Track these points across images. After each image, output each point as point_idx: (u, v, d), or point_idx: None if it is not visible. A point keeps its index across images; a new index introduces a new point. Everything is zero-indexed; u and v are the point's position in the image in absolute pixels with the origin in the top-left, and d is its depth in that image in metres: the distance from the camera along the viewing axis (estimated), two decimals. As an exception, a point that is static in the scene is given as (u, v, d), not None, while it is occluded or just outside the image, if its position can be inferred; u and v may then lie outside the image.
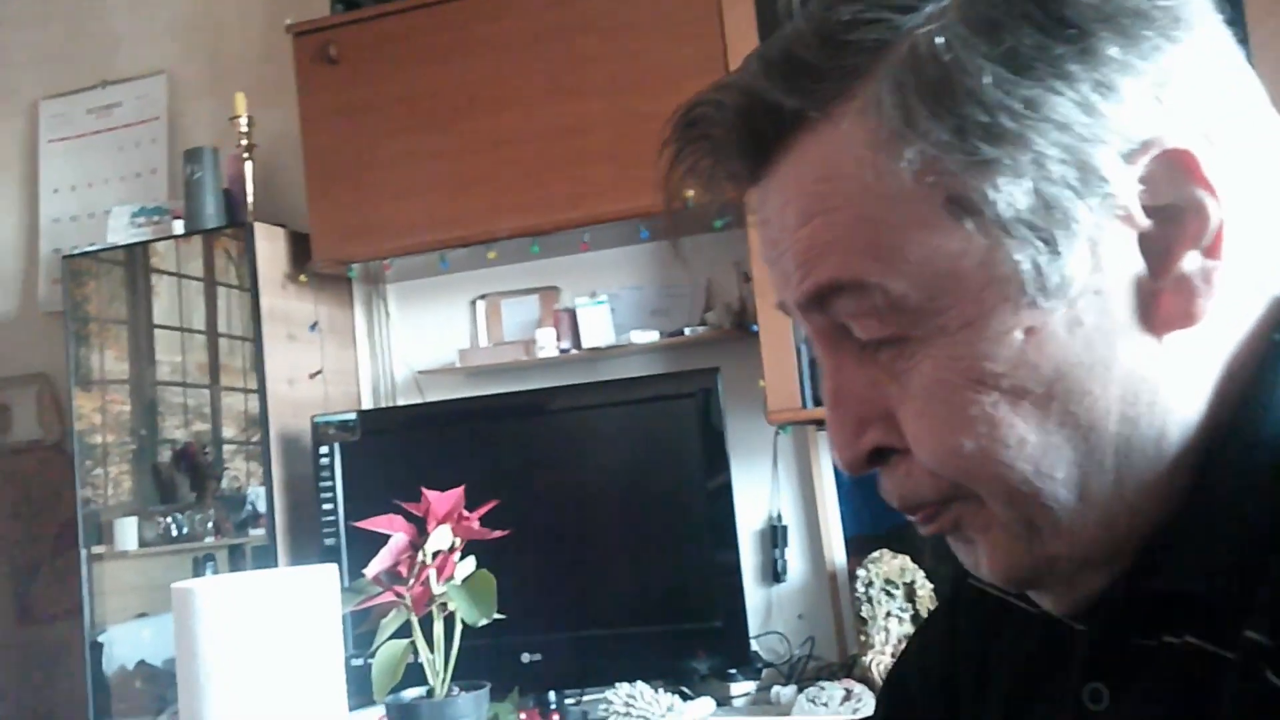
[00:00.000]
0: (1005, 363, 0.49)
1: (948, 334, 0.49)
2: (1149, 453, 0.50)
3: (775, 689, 2.29)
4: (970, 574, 0.68)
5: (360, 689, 1.78)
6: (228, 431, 2.82)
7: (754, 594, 2.58)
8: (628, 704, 2.17)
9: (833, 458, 0.56)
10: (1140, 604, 0.52)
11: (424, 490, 1.69)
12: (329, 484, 2.58)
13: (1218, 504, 0.49)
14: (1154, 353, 0.49)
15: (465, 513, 1.70)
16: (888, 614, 2.28)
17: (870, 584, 2.29)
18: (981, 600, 0.67)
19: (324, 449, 2.60)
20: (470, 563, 1.70)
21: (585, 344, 2.73)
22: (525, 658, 2.35)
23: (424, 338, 2.98)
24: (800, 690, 2.23)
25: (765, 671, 2.45)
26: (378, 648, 1.62)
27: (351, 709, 1.72)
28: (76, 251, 2.95)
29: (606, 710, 2.18)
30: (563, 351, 2.73)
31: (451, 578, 1.66)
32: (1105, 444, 0.49)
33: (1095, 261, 0.48)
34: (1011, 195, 0.47)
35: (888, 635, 2.25)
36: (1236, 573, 0.47)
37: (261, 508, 2.72)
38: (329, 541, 2.56)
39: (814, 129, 0.50)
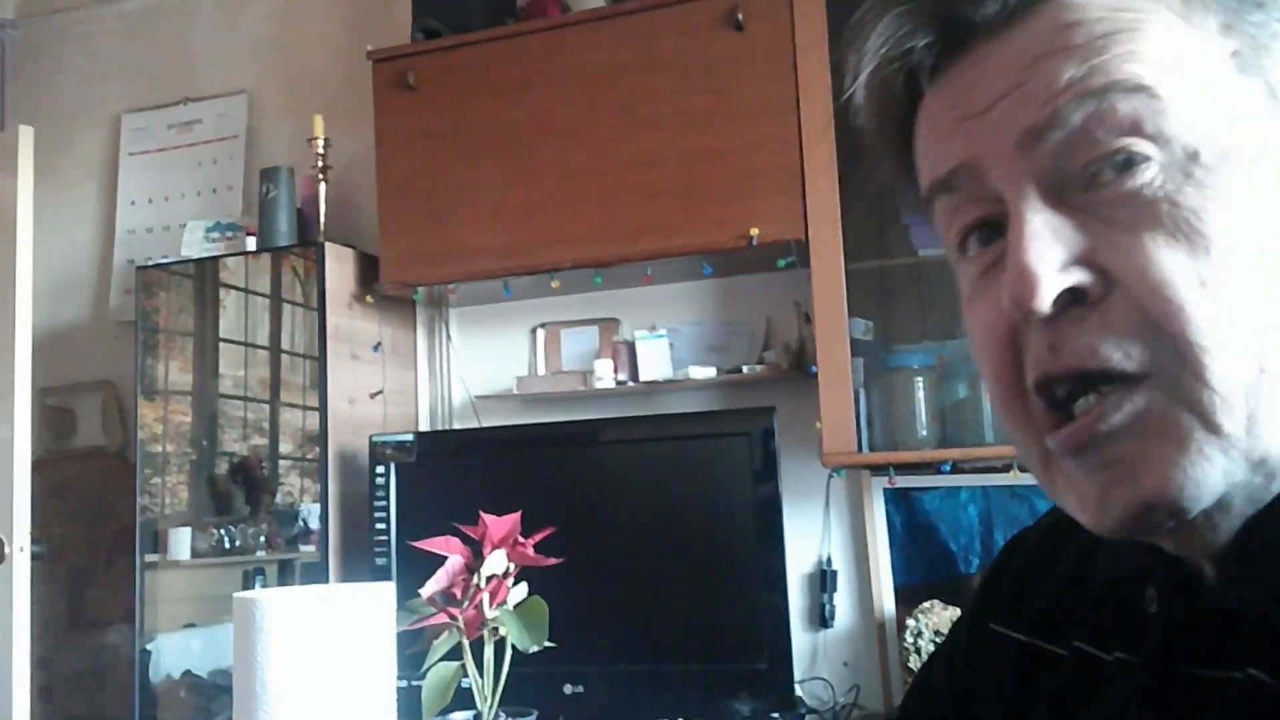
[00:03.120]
0: (1251, 211, 0.48)
1: (1203, 166, 0.48)
2: None
3: (818, 735, 2.26)
4: (994, 619, 0.67)
5: (408, 709, 1.78)
6: (285, 447, 2.86)
7: (800, 638, 2.56)
8: (669, 741, 2.16)
9: (1012, 298, 0.49)
10: (1199, 628, 0.50)
11: (481, 513, 1.70)
12: (383, 503, 2.60)
13: None
14: None
15: (521, 539, 1.71)
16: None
17: (920, 634, 2.27)
18: (1003, 644, 0.65)
19: (380, 468, 2.62)
20: (523, 589, 1.71)
21: (643, 377, 2.74)
22: (567, 689, 2.35)
23: (483, 363, 3.00)
24: (844, 737, 2.21)
25: (808, 717, 2.43)
26: (429, 668, 1.63)
27: (397, 729, 1.72)
28: (150, 263, 3.02)
29: (648, 746, 2.17)
30: (619, 383, 2.75)
31: (504, 603, 1.67)
32: None
33: None
34: None
35: (936, 687, 2.22)
36: None
37: (313, 524, 2.75)
38: (380, 561, 2.58)
39: None
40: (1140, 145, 0.48)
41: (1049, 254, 0.48)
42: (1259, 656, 0.47)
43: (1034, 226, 0.49)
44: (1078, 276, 0.48)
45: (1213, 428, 0.46)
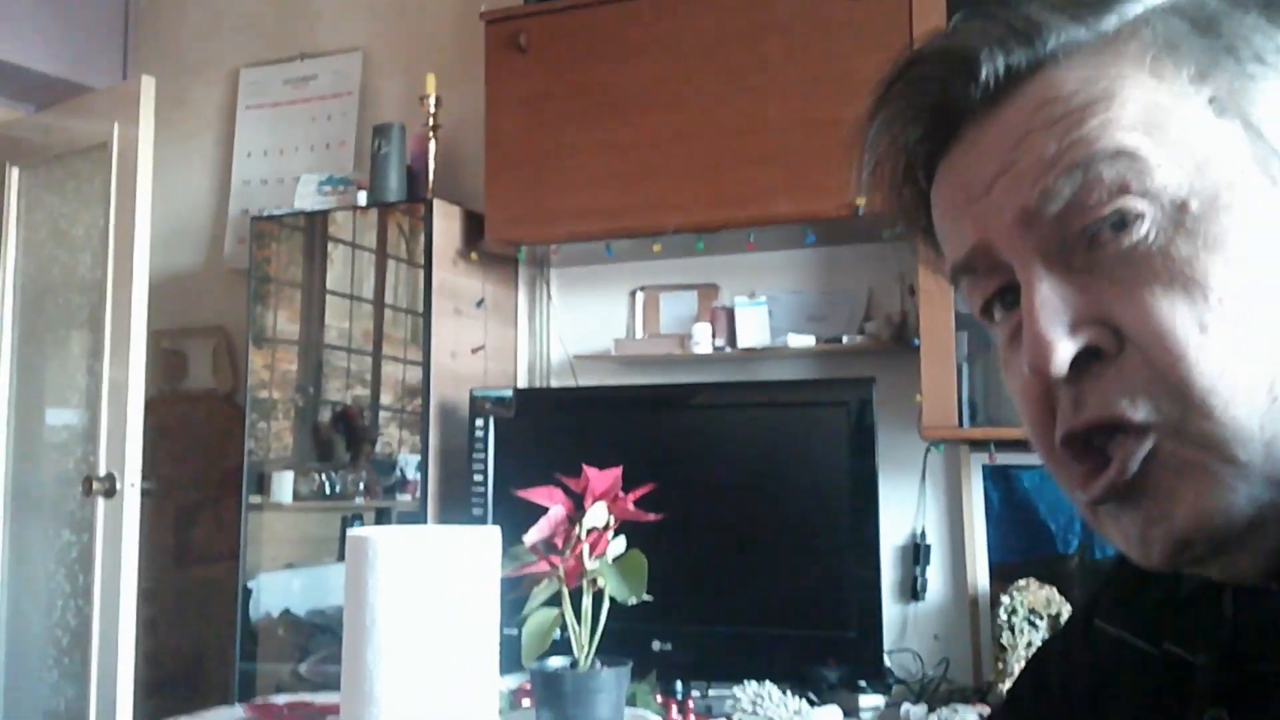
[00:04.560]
0: (1245, 250, 0.49)
1: (1192, 215, 0.50)
2: None
3: (905, 706, 2.26)
4: (1099, 615, 0.68)
5: (505, 656, 1.82)
6: (385, 398, 2.93)
7: (891, 609, 2.56)
8: (754, 702, 2.17)
9: (1030, 365, 0.52)
10: (1263, 627, 0.51)
11: (584, 466, 1.73)
12: (481, 456, 2.65)
13: None
14: None
15: (621, 493, 1.73)
16: (1029, 644, 2.23)
17: (1014, 611, 2.25)
18: (1100, 639, 0.66)
19: (479, 421, 2.67)
20: (621, 542, 1.73)
21: (740, 343, 2.74)
22: (656, 645, 2.37)
23: (582, 323, 3.04)
24: (931, 710, 2.20)
25: (896, 688, 2.43)
26: (528, 615, 1.67)
27: (496, 673, 1.76)
28: (263, 214, 3.10)
29: (734, 707, 2.19)
30: (717, 349, 2.75)
31: (604, 555, 1.69)
32: None
33: None
34: (1274, 105, 0.51)
35: (1026, 666, 2.21)
36: None
37: (410, 474, 2.81)
38: (477, 511, 2.63)
39: (1070, 57, 0.54)
40: (1131, 203, 0.50)
41: (1058, 319, 0.51)
42: None
43: (1042, 295, 0.52)
44: (1090, 335, 0.51)
45: (1229, 459, 0.49)
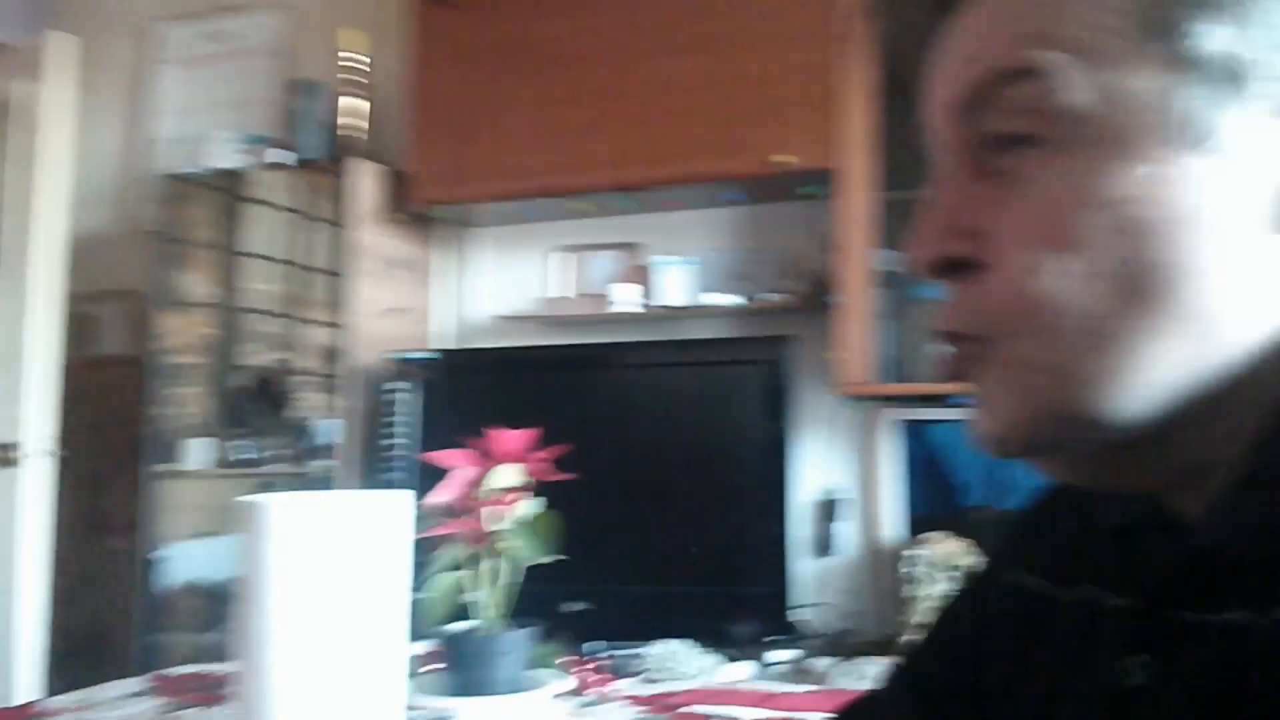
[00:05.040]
0: (1128, 190, 0.48)
1: (1086, 146, 0.49)
2: (1234, 366, 0.48)
3: (813, 660, 2.28)
4: (1007, 565, 0.68)
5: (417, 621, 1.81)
6: (305, 363, 2.88)
7: (804, 564, 2.58)
8: (664, 660, 2.18)
9: (907, 258, 0.54)
10: (1191, 569, 0.50)
11: (487, 430, 1.71)
12: (399, 420, 2.62)
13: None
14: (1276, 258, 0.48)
15: (537, 453, 1.72)
16: (933, 595, 2.26)
17: (917, 564, 2.27)
18: (1007, 589, 0.66)
19: (390, 385, 2.63)
20: (534, 503, 1.72)
21: (663, 302, 2.73)
22: (566, 606, 2.37)
23: (505, 284, 3.01)
24: (841, 663, 2.23)
25: (806, 642, 2.45)
26: (431, 577, 1.65)
27: (403, 639, 1.75)
28: (177, 174, 3.02)
29: (645, 665, 2.19)
30: (643, 308, 2.74)
31: (509, 516, 1.68)
32: (1189, 325, 0.48)
33: (1260, 137, 0.48)
34: (1210, 35, 0.48)
35: (932, 617, 2.24)
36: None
37: (330, 440, 2.78)
38: (391, 476, 2.60)
39: None
40: (1032, 124, 0.50)
41: (940, 222, 0.52)
42: (1239, 597, 0.47)
43: (938, 193, 0.53)
44: (959, 246, 0.51)
45: (1038, 385, 0.50)
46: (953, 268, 0.52)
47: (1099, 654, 0.55)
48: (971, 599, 0.71)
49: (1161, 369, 0.49)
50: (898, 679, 0.74)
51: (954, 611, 0.73)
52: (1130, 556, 0.56)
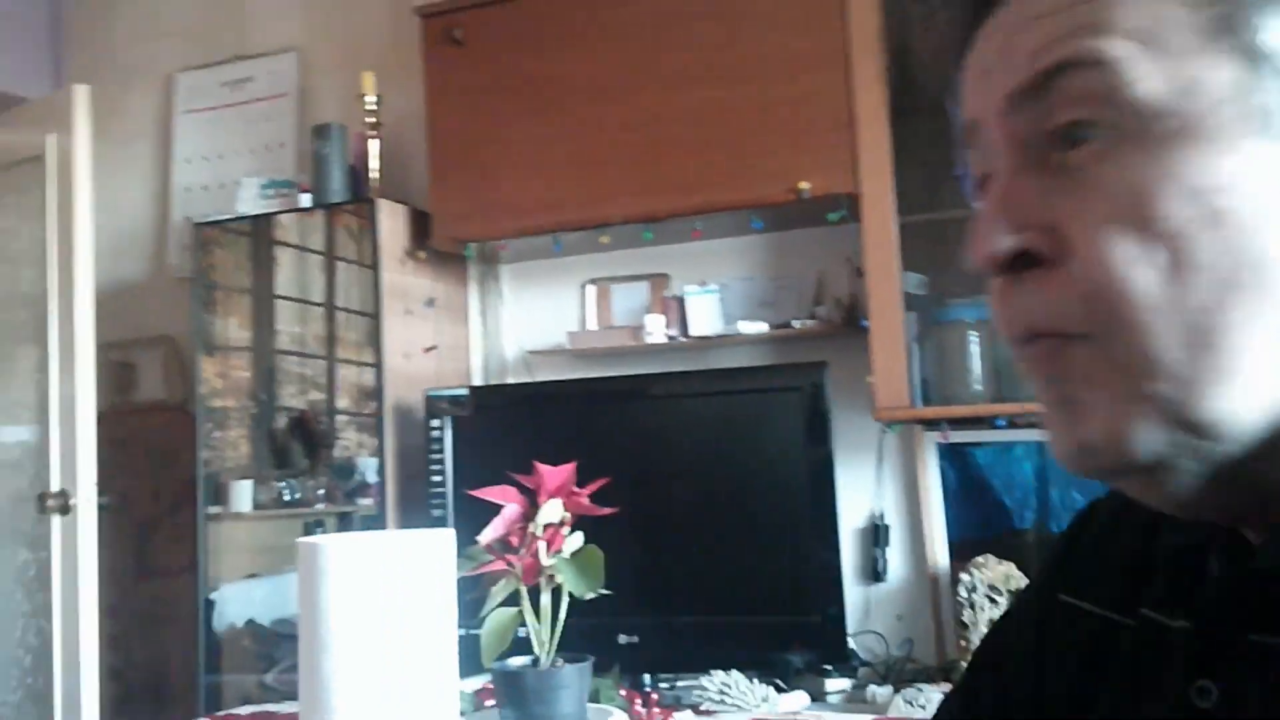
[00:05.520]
0: (1217, 180, 0.47)
1: (1165, 138, 0.48)
2: None
3: (871, 688, 2.28)
4: (1063, 589, 0.67)
5: (466, 657, 1.82)
6: (341, 402, 2.90)
7: (853, 592, 2.57)
8: (722, 692, 2.18)
9: (971, 254, 0.52)
10: (1259, 592, 0.50)
11: (536, 464, 1.72)
12: (439, 456, 2.64)
13: None
14: None
15: (576, 489, 1.73)
16: (989, 620, 2.25)
17: (974, 589, 2.27)
18: (1065, 613, 0.65)
19: (435, 422, 2.65)
20: (578, 538, 1.73)
21: (693, 332, 2.74)
22: (622, 639, 2.37)
23: (535, 318, 3.02)
24: (897, 691, 2.22)
25: (861, 670, 2.44)
26: (486, 614, 1.66)
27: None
28: (206, 220, 3.06)
29: (701, 696, 2.19)
30: (670, 339, 2.75)
31: (560, 551, 1.69)
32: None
33: None
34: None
35: (988, 640, 2.23)
36: None
37: (370, 478, 2.80)
38: (437, 513, 2.61)
39: None
40: (1101, 113, 0.49)
41: (1006, 215, 0.50)
42: None
43: (1002, 188, 0.51)
44: (1029, 240, 0.50)
45: (1147, 391, 0.48)
46: (1025, 263, 0.50)
47: (1166, 678, 0.55)
48: (1023, 623, 0.70)
49: (1271, 371, 0.47)
50: (954, 705, 0.74)
51: (1006, 636, 0.72)
52: (1189, 581, 0.56)
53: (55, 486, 2.93)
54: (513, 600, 1.69)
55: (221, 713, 2.27)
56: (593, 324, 2.95)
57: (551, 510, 1.69)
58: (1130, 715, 0.58)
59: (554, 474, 1.72)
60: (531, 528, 1.68)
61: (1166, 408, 0.48)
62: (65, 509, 2.90)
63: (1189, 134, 0.47)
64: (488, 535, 1.66)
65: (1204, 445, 0.48)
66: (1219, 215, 0.47)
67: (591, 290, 2.97)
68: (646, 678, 2.33)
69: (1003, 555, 2.32)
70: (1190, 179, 0.47)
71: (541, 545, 1.67)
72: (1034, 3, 0.52)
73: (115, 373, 3.43)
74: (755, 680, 2.20)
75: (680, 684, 2.33)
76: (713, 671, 2.21)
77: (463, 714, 1.81)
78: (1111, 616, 0.62)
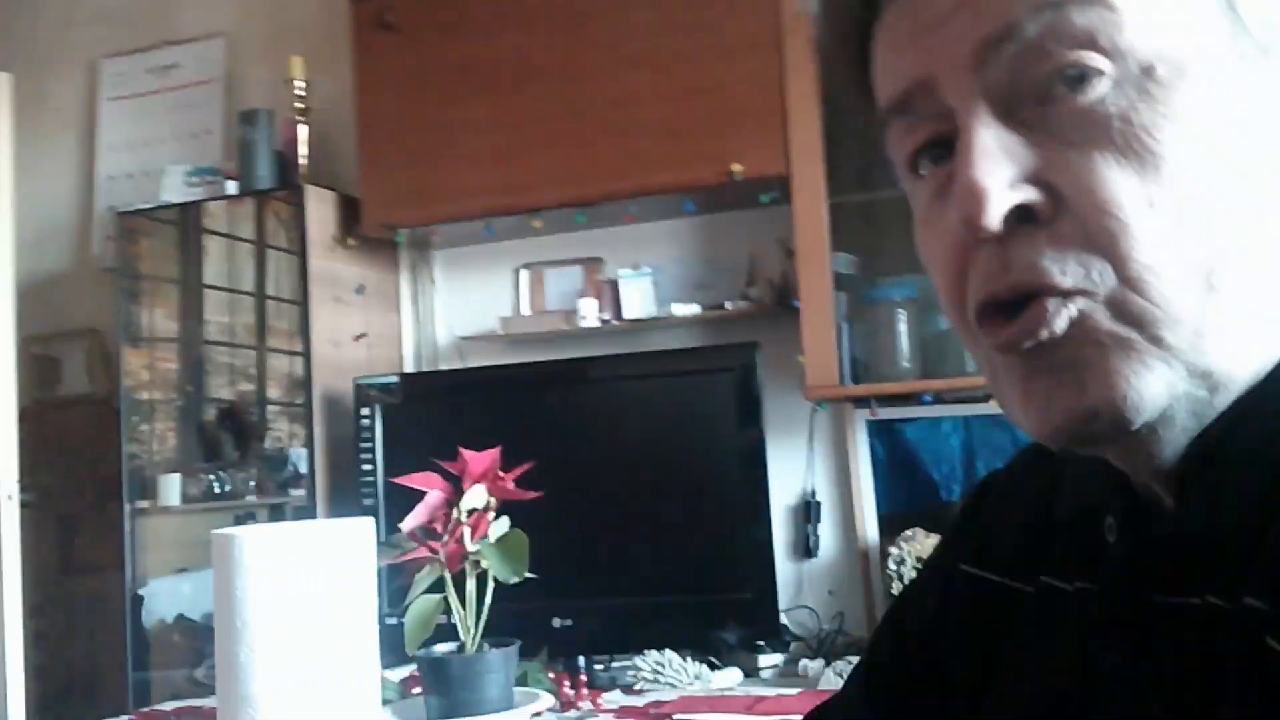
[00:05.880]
0: (1205, 127, 0.47)
1: (1164, 82, 0.47)
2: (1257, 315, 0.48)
3: (804, 662, 2.29)
4: (963, 559, 0.67)
5: (392, 646, 1.80)
6: (272, 392, 2.87)
7: (785, 569, 2.58)
8: (656, 671, 2.19)
9: (961, 216, 0.48)
10: (1156, 554, 0.50)
11: (461, 450, 1.71)
12: (369, 445, 2.61)
13: (1255, 434, 0.47)
14: None
15: (501, 473, 1.72)
16: (919, 594, 2.28)
17: (902, 562, 2.29)
18: (966, 583, 0.66)
19: (365, 410, 2.63)
20: (504, 523, 1.72)
21: (626, 315, 2.74)
22: (556, 623, 2.37)
23: (467, 304, 3.00)
24: (829, 664, 2.24)
25: (794, 645, 2.46)
26: (411, 602, 1.65)
27: (383, 666, 1.75)
28: (131, 209, 3.00)
29: (635, 677, 2.20)
30: (604, 322, 2.75)
31: (485, 536, 1.68)
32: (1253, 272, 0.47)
33: None
34: None
35: (918, 615, 2.25)
36: (1252, 522, 0.45)
37: (303, 468, 2.76)
38: (368, 501, 2.59)
39: None
40: (1094, 60, 0.47)
41: (998, 171, 0.47)
42: (1215, 581, 0.46)
43: (984, 143, 0.48)
44: (1027, 194, 0.47)
45: (1155, 340, 0.46)
46: (1017, 220, 0.48)
47: (1065, 641, 0.55)
48: (926, 594, 0.71)
49: (1272, 319, 0.47)
50: (861, 678, 0.74)
51: (909, 608, 0.73)
52: (1085, 545, 0.56)
53: (-25, 484, 2.87)
54: (438, 587, 1.68)
55: (146, 709, 2.23)
56: (526, 309, 2.93)
57: (475, 496, 1.69)
58: (1032, 680, 0.58)
59: (478, 459, 1.71)
60: (455, 514, 1.67)
61: (1177, 357, 0.47)
62: (-18, 506, 2.84)
63: (1186, 74, 0.47)
64: (410, 522, 1.65)
65: (1203, 398, 0.48)
66: (1223, 155, 0.47)
67: (525, 275, 2.96)
68: (581, 660, 2.33)
69: (931, 528, 2.35)
70: (1192, 120, 0.46)
71: (465, 531, 1.66)
72: None
73: (38, 366, 3.36)
74: (689, 659, 2.21)
75: (616, 665, 2.33)
76: (647, 651, 2.22)
77: (388, 702, 1.80)
78: (1011, 585, 0.62)
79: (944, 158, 0.51)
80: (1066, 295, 0.47)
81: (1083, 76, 0.47)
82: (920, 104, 0.52)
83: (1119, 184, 0.46)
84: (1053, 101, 0.48)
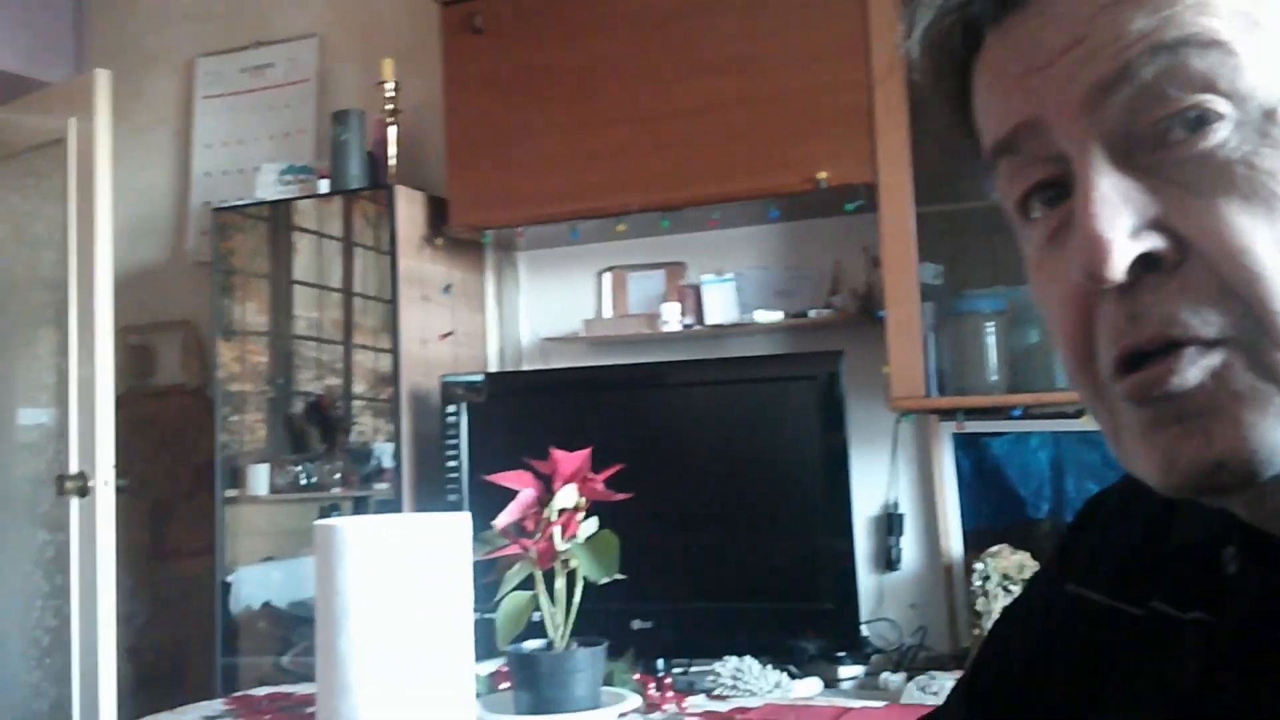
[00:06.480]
0: None
1: (1273, 120, 0.46)
2: None
3: (884, 675, 2.28)
4: (1070, 579, 0.66)
5: (481, 640, 1.83)
6: (358, 387, 2.92)
7: (866, 580, 2.57)
8: (735, 677, 2.19)
9: (1083, 267, 0.46)
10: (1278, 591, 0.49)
11: (552, 450, 1.73)
12: (454, 442, 2.65)
13: None
14: None
15: (591, 474, 1.74)
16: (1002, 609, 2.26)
17: (987, 577, 2.27)
18: (1073, 604, 0.65)
19: (451, 408, 2.67)
20: (593, 523, 1.74)
21: (709, 320, 2.75)
22: (636, 624, 2.38)
23: (551, 306, 3.03)
24: (909, 678, 2.23)
25: (874, 658, 2.45)
26: (502, 598, 1.67)
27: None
28: (225, 205, 3.08)
29: (714, 682, 2.20)
30: (686, 327, 2.76)
31: (575, 536, 1.70)
32: None
33: None
34: None
35: (1001, 630, 2.23)
36: None
37: (386, 462, 2.81)
38: (452, 498, 2.63)
39: None
40: (1214, 103, 0.45)
41: (1119, 220, 0.46)
42: None
43: (1102, 190, 0.47)
44: (1151, 242, 0.46)
45: None
46: (1141, 269, 0.46)
47: (1177, 670, 0.54)
48: (1031, 612, 0.70)
49: None
50: (963, 695, 0.73)
51: (1012, 627, 0.72)
52: (1202, 575, 0.55)
53: (74, 469, 2.96)
54: (528, 584, 1.70)
55: (238, 694, 2.29)
56: (608, 312, 2.96)
57: (566, 495, 1.71)
58: (1138, 706, 0.57)
59: (569, 460, 1.73)
60: (546, 513, 1.69)
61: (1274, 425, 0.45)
62: (83, 491, 2.92)
63: None
64: (503, 519, 1.68)
65: None
66: None
67: (608, 278, 2.98)
68: (660, 663, 2.34)
69: (1017, 545, 2.32)
70: None
71: (556, 530, 1.69)
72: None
73: (134, 356, 3.45)
74: (769, 666, 2.21)
75: (694, 669, 2.34)
76: (726, 657, 2.22)
77: (478, 696, 1.82)
78: (1120, 607, 0.61)
79: (1057, 200, 0.50)
80: (1208, 345, 0.46)
81: (1202, 119, 0.46)
82: (1029, 145, 0.51)
83: (1249, 229, 0.45)
84: (1170, 146, 0.47)
